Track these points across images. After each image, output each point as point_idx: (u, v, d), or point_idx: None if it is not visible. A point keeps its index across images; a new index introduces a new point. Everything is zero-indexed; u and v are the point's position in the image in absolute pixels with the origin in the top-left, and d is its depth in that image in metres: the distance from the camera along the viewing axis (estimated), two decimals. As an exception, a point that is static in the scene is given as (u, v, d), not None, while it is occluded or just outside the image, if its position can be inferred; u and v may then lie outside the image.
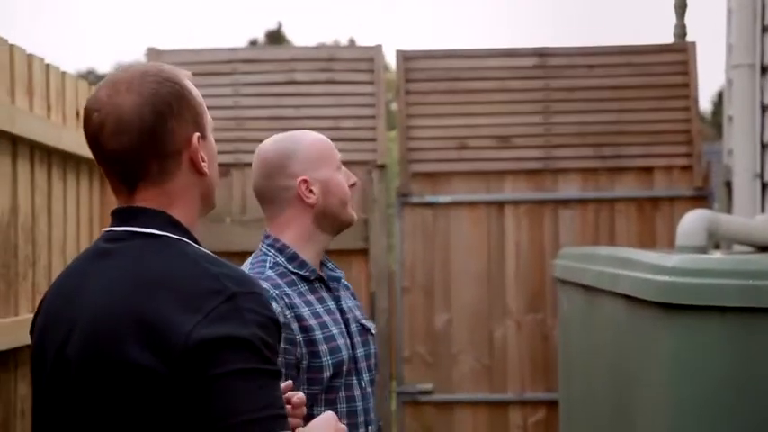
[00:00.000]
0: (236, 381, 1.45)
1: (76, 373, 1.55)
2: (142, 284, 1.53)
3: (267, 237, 2.37)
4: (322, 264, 2.42)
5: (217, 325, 1.46)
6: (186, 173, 1.65)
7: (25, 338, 2.86)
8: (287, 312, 2.20)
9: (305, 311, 2.25)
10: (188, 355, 1.45)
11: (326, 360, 2.24)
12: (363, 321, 2.42)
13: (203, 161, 1.67)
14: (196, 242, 1.66)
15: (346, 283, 2.51)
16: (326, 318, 2.30)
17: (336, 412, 2.17)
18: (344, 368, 2.28)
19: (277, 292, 2.22)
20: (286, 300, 2.23)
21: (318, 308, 2.30)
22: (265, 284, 2.22)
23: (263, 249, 2.36)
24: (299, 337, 2.21)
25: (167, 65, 1.69)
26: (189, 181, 1.66)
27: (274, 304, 2.18)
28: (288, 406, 1.88)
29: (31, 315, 2.92)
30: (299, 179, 2.33)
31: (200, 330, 1.46)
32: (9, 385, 2.83)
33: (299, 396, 1.88)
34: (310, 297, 2.30)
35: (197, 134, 1.66)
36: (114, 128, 1.59)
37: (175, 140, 1.63)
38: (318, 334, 2.24)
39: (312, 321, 2.25)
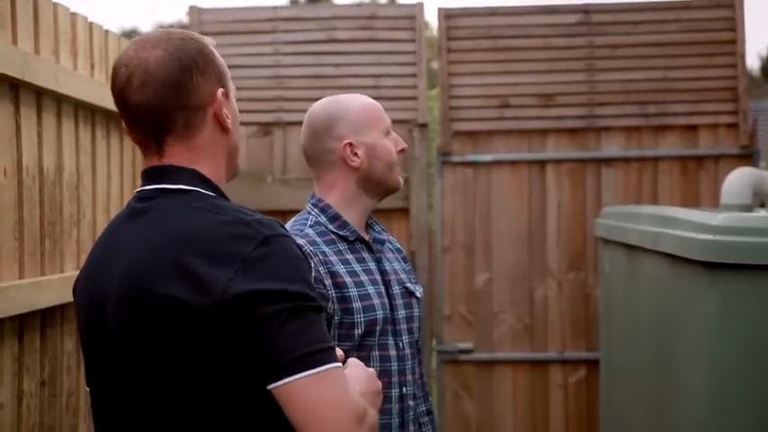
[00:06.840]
0: (287, 322, 1.48)
1: (117, 328, 1.58)
2: (176, 238, 1.55)
3: (312, 196, 2.41)
4: (369, 226, 2.45)
5: (253, 275, 1.49)
6: (211, 128, 1.68)
7: (71, 295, 2.92)
8: (320, 268, 2.24)
9: (340, 269, 2.27)
10: (228, 304, 1.48)
11: (359, 317, 2.26)
12: (408, 285, 2.43)
13: (227, 118, 1.70)
14: (226, 199, 1.68)
15: (398, 246, 2.56)
16: (364, 277, 2.32)
17: None
18: (378, 327, 2.30)
19: (312, 248, 2.26)
20: (320, 257, 2.26)
21: (356, 267, 2.32)
22: (301, 241, 2.25)
23: (308, 208, 2.40)
24: (332, 292, 2.24)
25: (190, 31, 1.72)
26: (214, 137, 1.69)
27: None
28: None
29: (77, 272, 2.97)
30: (344, 142, 2.37)
31: (237, 284, 1.48)
32: (56, 341, 2.88)
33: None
34: (349, 256, 2.33)
35: (221, 89, 1.69)
36: (141, 81, 1.62)
37: (200, 94, 1.66)
38: (353, 291, 2.27)
39: (347, 279, 2.27)
